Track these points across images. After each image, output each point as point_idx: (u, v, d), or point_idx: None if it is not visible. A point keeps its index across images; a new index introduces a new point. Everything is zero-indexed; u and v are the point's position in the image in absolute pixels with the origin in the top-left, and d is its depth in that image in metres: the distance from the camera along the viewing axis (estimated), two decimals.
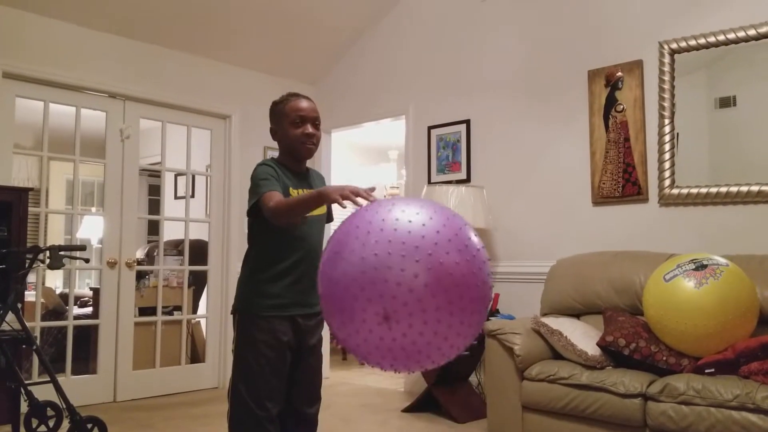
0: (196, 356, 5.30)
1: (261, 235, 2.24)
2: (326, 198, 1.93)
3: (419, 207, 1.47)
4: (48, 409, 3.61)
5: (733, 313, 2.81)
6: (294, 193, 2.22)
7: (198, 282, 5.38)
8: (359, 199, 1.81)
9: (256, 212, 2.15)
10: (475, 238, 1.50)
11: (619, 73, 3.96)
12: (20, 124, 4.36)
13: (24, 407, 3.57)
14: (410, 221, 1.42)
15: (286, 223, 2.12)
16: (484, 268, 1.48)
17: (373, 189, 1.88)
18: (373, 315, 1.38)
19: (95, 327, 4.63)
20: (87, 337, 4.72)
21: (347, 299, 1.42)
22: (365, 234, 1.43)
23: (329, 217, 2.46)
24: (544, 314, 3.75)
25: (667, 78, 3.76)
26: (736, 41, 3.54)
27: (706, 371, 2.78)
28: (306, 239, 2.23)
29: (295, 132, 2.24)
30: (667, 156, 3.76)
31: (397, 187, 8.10)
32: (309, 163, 2.41)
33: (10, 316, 3.26)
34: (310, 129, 2.25)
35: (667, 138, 3.76)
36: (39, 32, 4.29)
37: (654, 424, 2.73)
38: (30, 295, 4.73)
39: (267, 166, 2.22)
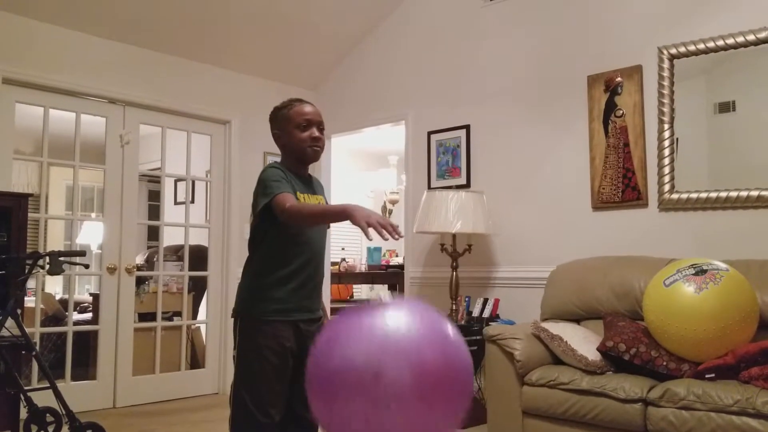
0: (196, 362, 5.29)
1: (266, 238, 2.23)
2: (351, 218, 1.89)
3: (406, 314, 1.54)
4: (47, 415, 3.60)
5: (733, 318, 2.81)
6: (301, 197, 2.21)
7: (198, 288, 5.37)
8: (384, 232, 1.82)
9: (266, 213, 2.14)
10: (453, 334, 1.56)
11: (619, 79, 3.97)
12: (20, 129, 4.37)
13: (23, 413, 3.56)
14: (396, 326, 1.49)
15: (297, 226, 2.12)
16: (463, 363, 1.54)
17: (398, 227, 1.87)
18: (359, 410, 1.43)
19: (95, 333, 4.63)
20: (87, 343, 4.71)
21: (336, 389, 1.47)
22: (358, 334, 1.50)
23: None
24: (545, 319, 3.74)
25: (666, 83, 3.77)
26: (736, 46, 3.54)
27: (707, 376, 2.77)
28: (310, 244, 2.23)
29: (301, 135, 2.25)
30: (666, 161, 3.76)
31: (397, 193, 8.11)
32: (309, 170, 2.42)
33: (10, 322, 3.25)
34: (316, 133, 2.26)
35: (666, 143, 3.76)
36: (39, 38, 4.30)
37: (654, 429, 2.72)
38: (30, 301, 4.72)
39: (277, 169, 2.22)
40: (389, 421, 1.41)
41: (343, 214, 1.94)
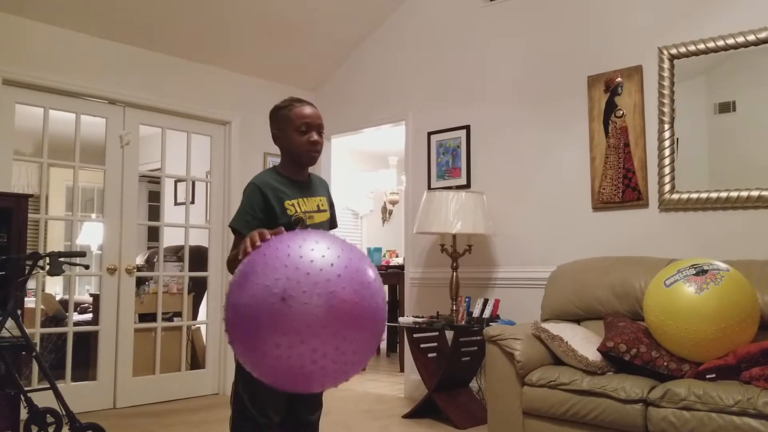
0: (196, 362, 5.29)
1: None
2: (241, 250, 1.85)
3: (324, 245, 1.57)
4: (48, 415, 3.60)
5: (734, 319, 2.81)
6: (290, 205, 2.18)
7: (198, 288, 5.37)
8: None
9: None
10: (370, 271, 1.61)
11: (619, 79, 3.97)
12: (20, 130, 4.36)
13: (24, 414, 3.56)
14: (317, 257, 1.53)
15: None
16: (375, 296, 1.58)
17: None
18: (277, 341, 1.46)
19: (95, 333, 4.63)
20: (87, 344, 4.71)
21: (252, 325, 1.49)
22: (274, 264, 1.51)
23: (333, 224, 2.45)
24: (545, 320, 3.74)
25: (666, 83, 3.77)
26: (736, 47, 3.54)
27: (707, 377, 2.77)
28: None
29: (300, 139, 2.22)
30: (666, 161, 3.76)
31: (397, 193, 8.11)
32: (310, 169, 2.39)
33: (10, 323, 3.25)
34: (315, 137, 2.24)
35: (666, 143, 3.76)
36: (39, 39, 4.30)
37: (655, 429, 2.72)
38: (30, 302, 4.72)
39: (256, 189, 2.18)
40: (300, 347, 1.44)
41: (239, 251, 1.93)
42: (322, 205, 2.34)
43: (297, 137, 2.22)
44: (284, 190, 2.21)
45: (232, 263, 2.09)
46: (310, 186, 2.34)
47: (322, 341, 1.45)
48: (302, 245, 1.53)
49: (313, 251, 1.51)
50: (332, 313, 1.46)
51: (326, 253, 1.52)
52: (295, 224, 2.16)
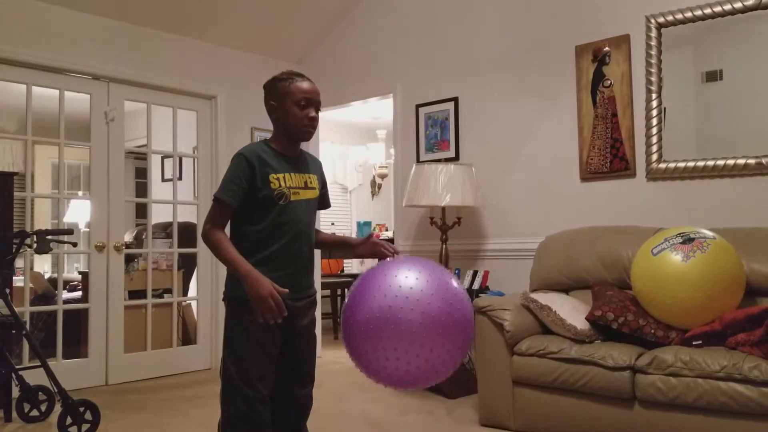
0: (188, 338, 5.30)
1: (241, 221, 2.21)
2: (246, 291, 2.05)
3: (416, 271, 2.00)
4: (40, 393, 3.61)
5: (719, 286, 2.84)
6: (274, 178, 2.16)
7: (187, 264, 5.37)
8: (269, 318, 2.03)
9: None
10: (456, 286, 2.04)
11: (607, 48, 3.96)
12: (3, 107, 4.32)
13: (16, 392, 3.57)
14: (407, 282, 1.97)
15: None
16: (463, 308, 1.99)
17: (284, 312, 2.05)
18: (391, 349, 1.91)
19: (85, 311, 4.62)
20: (77, 321, 4.71)
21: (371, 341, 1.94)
22: (377, 290, 1.97)
23: (325, 204, 2.45)
24: (534, 290, 3.77)
25: (654, 52, 3.76)
26: (723, 14, 3.53)
27: (694, 343, 2.81)
28: (291, 223, 2.19)
29: (299, 113, 2.20)
30: (654, 131, 3.76)
31: (386, 167, 8.09)
32: (303, 146, 2.37)
33: None
34: (313, 113, 2.23)
35: (654, 113, 3.76)
36: (20, 13, 4.22)
37: (643, 395, 2.76)
38: (18, 280, 4.70)
39: (244, 159, 2.17)
40: (409, 353, 1.88)
41: (244, 280, 2.06)
42: (311, 183, 2.31)
43: (296, 111, 2.20)
44: (271, 163, 2.19)
45: (218, 249, 2.13)
46: (300, 162, 2.31)
47: (422, 345, 1.88)
48: (397, 275, 1.97)
49: (407, 279, 1.95)
50: (426, 323, 1.87)
51: (414, 283, 1.94)
52: (278, 199, 2.16)
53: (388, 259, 2.22)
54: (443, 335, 1.90)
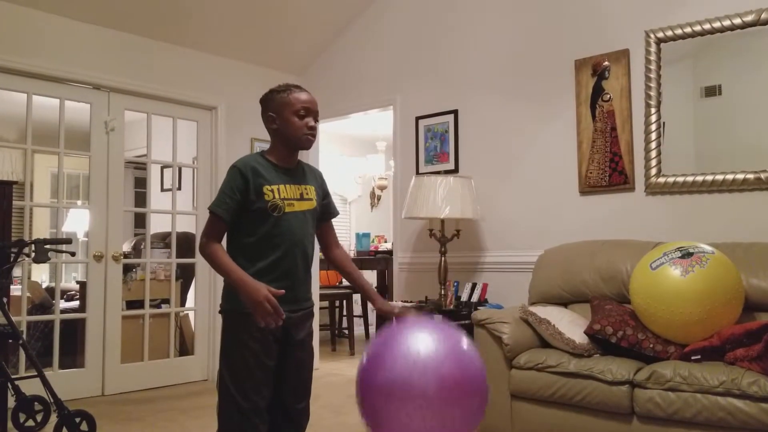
0: (185, 349, 5.28)
1: (237, 233, 2.21)
2: (243, 299, 2.06)
3: (430, 338, 1.99)
4: (36, 403, 3.60)
5: (718, 301, 2.84)
6: (268, 190, 2.16)
7: (186, 275, 5.36)
8: (270, 322, 2.04)
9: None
10: (470, 349, 2.01)
11: (606, 63, 3.97)
12: (3, 116, 4.32)
13: (11, 402, 3.55)
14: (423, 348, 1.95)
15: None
16: (477, 372, 1.97)
17: (282, 315, 2.06)
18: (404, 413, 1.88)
19: (82, 321, 4.61)
20: (74, 331, 4.69)
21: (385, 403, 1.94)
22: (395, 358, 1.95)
23: (328, 213, 2.43)
24: (532, 303, 3.76)
25: (653, 67, 3.77)
26: (722, 30, 3.55)
27: (693, 358, 2.80)
28: (285, 235, 2.18)
29: (299, 123, 2.21)
30: (653, 145, 3.77)
31: (386, 179, 8.10)
32: (301, 157, 2.37)
33: None
34: (312, 122, 2.24)
35: (653, 127, 3.77)
36: (21, 23, 4.23)
37: (641, 410, 2.75)
38: (16, 290, 4.69)
39: (237, 171, 2.17)
40: (423, 417, 1.86)
41: (238, 288, 2.07)
42: (307, 194, 2.30)
43: (295, 120, 2.21)
44: (265, 175, 2.20)
45: (214, 261, 2.13)
46: (297, 173, 2.31)
47: (436, 406, 1.87)
48: (410, 340, 1.97)
49: (419, 343, 1.93)
50: (440, 384, 1.87)
51: (428, 348, 1.93)
52: (271, 211, 2.16)
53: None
54: (456, 402, 1.90)
